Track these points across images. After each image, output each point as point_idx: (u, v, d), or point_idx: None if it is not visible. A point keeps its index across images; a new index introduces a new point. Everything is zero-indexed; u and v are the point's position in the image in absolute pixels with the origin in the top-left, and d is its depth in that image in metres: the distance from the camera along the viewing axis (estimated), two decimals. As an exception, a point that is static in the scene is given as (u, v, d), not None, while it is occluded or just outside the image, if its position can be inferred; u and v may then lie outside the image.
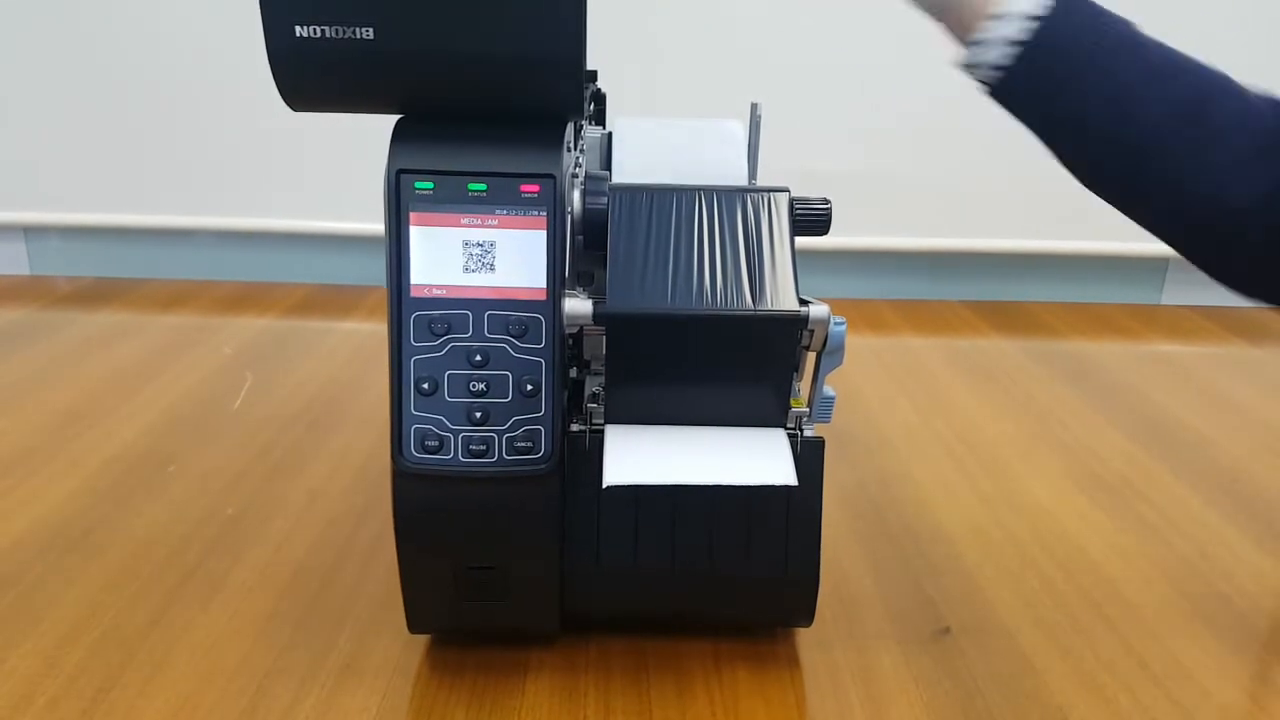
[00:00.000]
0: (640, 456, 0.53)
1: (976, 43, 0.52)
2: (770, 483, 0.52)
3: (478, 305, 0.51)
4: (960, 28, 0.53)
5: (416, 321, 0.51)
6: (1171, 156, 0.49)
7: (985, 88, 0.53)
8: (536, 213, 0.51)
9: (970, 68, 0.53)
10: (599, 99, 0.73)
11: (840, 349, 0.56)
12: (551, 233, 0.51)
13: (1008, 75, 0.51)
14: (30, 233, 1.39)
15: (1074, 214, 1.34)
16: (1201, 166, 0.48)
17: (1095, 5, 0.51)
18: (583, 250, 0.56)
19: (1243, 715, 0.56)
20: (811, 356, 0.56)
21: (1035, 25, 0.50)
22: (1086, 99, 0.50)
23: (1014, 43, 0.50)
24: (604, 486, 0.51)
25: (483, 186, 0.51)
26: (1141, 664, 0.60)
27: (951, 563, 0.71)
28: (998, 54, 0.51)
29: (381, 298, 1.29)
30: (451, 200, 0.51)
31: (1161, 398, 1.03)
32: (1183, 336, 1.27)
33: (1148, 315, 1.35)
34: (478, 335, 0.51)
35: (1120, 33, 0.51)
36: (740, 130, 0.65)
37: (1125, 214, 0.53)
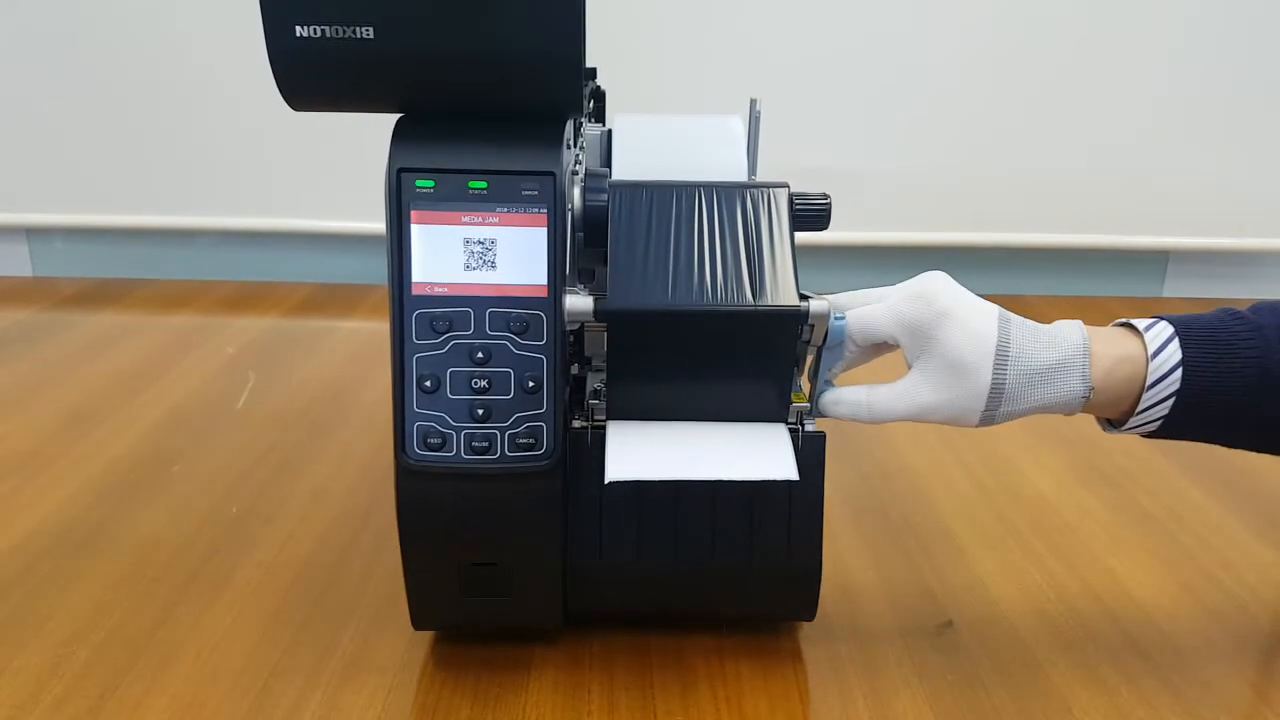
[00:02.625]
0: (642, 452, 0.54)
1: (1141, 412, 0.55)
2: (772, 478, 0.52)
3: (479, 303, 0.52)
4: (1112, 409, 0.56)
5: (418, 319, 0.51)
6: None
7: (1146, 434, 0.57)
8: (537, 210, 0.52)
9: (1131, 428, 0.56)
10: (598, 96, 0.73)
11: (841, 344, 0.56)
12: (552, 230, 0.52)
13: (1168, 420, 0.55)
14: (33, 234, 1.40)
15: (1074, 207, 1.34)
16: None
17: (1207, 324, 0.55)
18: (583, 247, 0.57)
19: (1246, 706, 0.57)
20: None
21: (1180, 374, 0.54)
22: (1245, 414, 0.55)
23: (1169, 396, 0.54)
24: (606, 483, 0.51)
25: (483, 184, 0.51)
26: (1144, 656, 0.60)
27: (954, 556, 0.71)
28: (1158, 411, 0.55)
29: (383, 296, 1.29)
30: (452, 198, 0.51)
31: None
32: (1184, 329, 1.27)
33: (1149, 308, 1.34)
34: (479, 332, 0.52)
35: (1245, 341, 0.55)
36: (740, 126, 0.65)
37: None
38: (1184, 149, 1.32)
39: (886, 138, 1.31)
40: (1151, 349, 0.54)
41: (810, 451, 0.56)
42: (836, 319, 0.54)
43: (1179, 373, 0.53)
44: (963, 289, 0.55)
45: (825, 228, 0.57)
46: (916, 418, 0.55)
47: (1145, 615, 0.65)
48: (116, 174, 1.34)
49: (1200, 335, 0.54)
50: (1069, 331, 0.54)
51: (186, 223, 1.36)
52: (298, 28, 0.47)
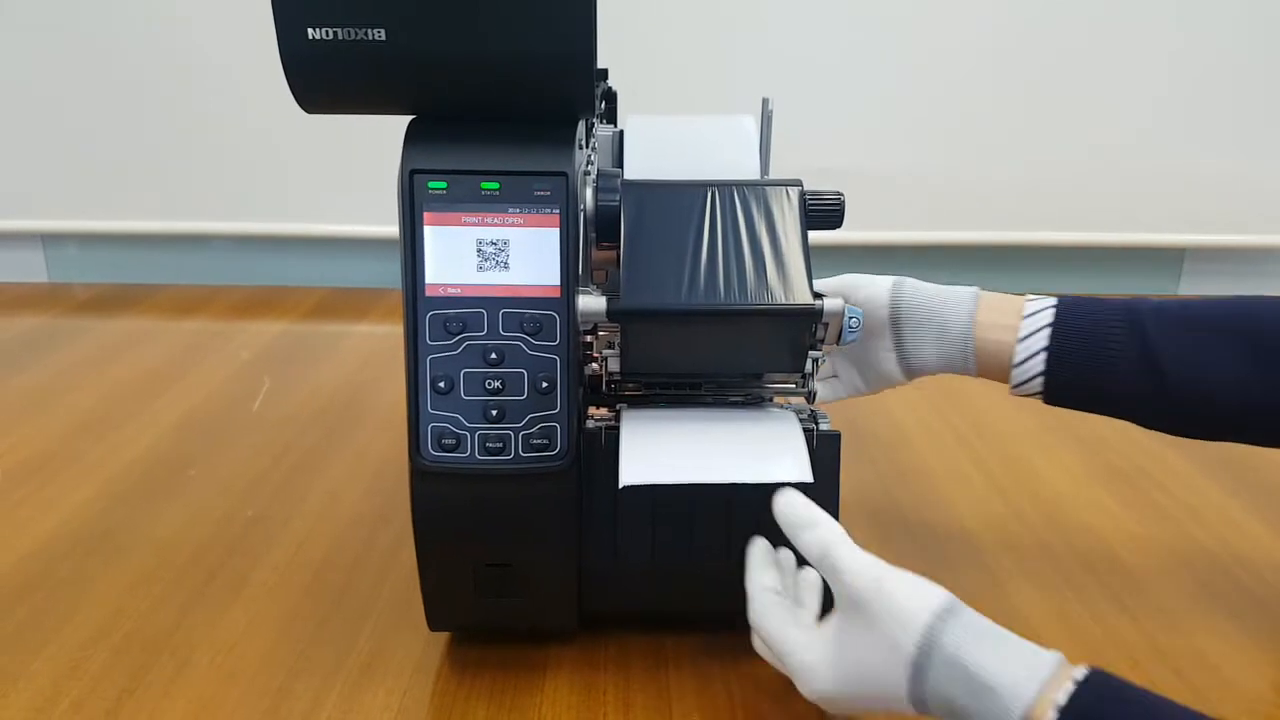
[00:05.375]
0: (656, 455, 0.53)
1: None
2: (786, 480, 0.52)
3: (492, 303, 0.52)
4: None
5: (432, 321, 0.51)
6: None
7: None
8: (549, 210, 0.52)
9: None
10: (610, 98, 0.73)
11: (855, 340, 0.56)
12: (564, 230, 0.52)
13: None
14: (48, 240, 1.41)
15: (1090, 205, 1.34)
16: None
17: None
18: (596, 247, 0.57)
19: (1266, 704, 0.56)
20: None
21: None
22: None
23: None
24: (620, 487, 0.51)
25: (495, 185, 0.51)
26: (1162, 655, 0.60)
27: (970, 556, 0.71)
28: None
29: (396, 300, 1.29)
30: (465, 199, 0.52)
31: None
32: (1200, 327, 1.26)
33: (1165, 306, 1.34)
34: (493, 333, 0.52)
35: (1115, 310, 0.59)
36: (751, 126, 0.65)
37: None
38: (1200, 145, 1.31)
39: (899, 137, 1.31)
40: None
41: (825, 452, 0.56)
42: (850, 331, 0.54)
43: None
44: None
45: (839, 226, 0.57)
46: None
47: (1164, 614, 0.64)
48: (131, 180, 1.34)
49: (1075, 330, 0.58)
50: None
51: (201, 228, 1.37)
52: (310, 30, 0.47)
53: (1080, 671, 0.43)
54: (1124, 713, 0.42)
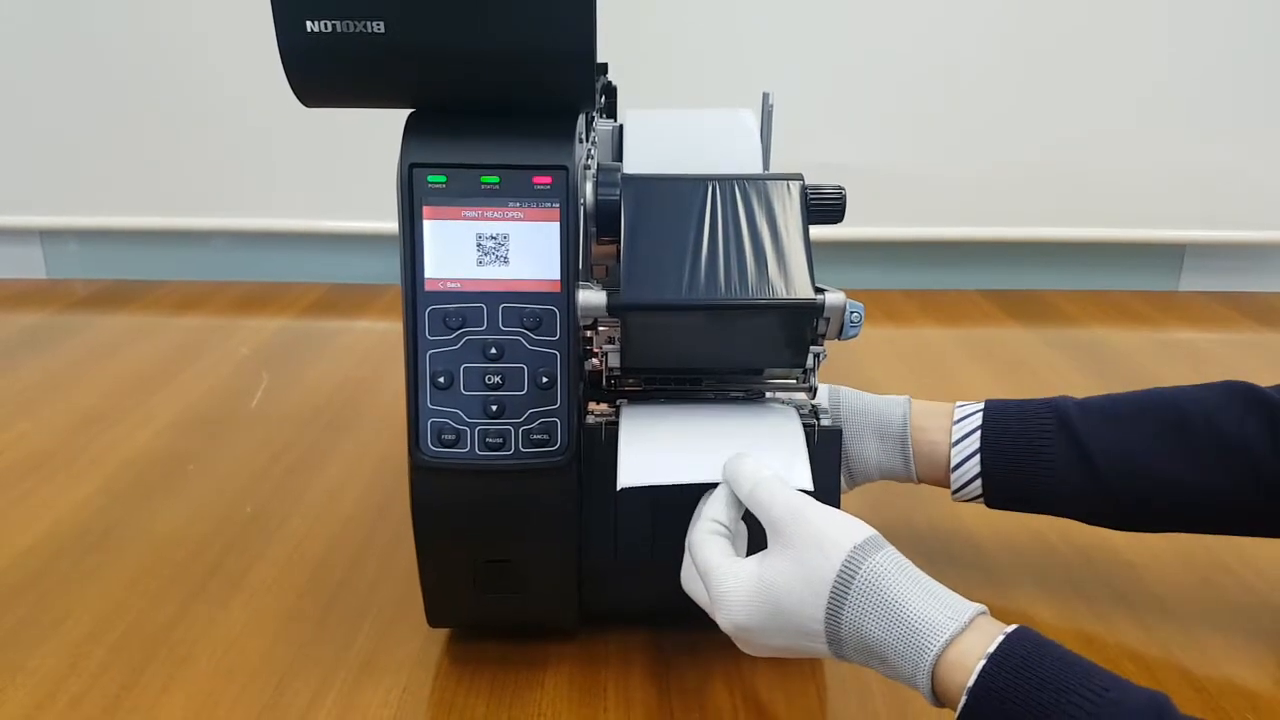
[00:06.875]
0: (654, 456, 0.53)
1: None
2: None
3: (492, 298, 0.51)
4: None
5: (431, 315, 0.51)
6: None
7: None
8: (549, 204, 0.51)
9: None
10: (610, 92, 0.73)
11: (856, 335, 0.56)
12: (564, 224, 0.51)
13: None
14: (47, 237, 1.40)
15: (1090, 202, 1.33)
16: None
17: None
18: (596, 241, 0.56)
19: (1269, 701, 0.56)
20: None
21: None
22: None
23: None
24: (618, 490, 0.51)
25: (495, 179, 0.51)
26: (1165, 651, 0.60)
27: (972, 553, 0.70)
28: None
29: (395, 296, 1.29)
30: (464, 193, 0.51)
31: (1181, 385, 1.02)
32: (1201, 323, 1.26)
33: (1165, 302, 1.34)
34: (492, 328, 0.51)
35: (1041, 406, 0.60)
36: (752, 120, 0.65)
37: None
38: (1200, 142, 1.31)
39: (899, 132, 1.31)
40: None
41: (826, 447, 0.56)
42: (852, 323, 0.54)
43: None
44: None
45: (840, 220, 0.57)
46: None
47: (1166, 610, 0.64)
48: (129, 177, 1.34)
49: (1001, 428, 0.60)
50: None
51: (199, 224, 1.36)
52: (309, 23, 0.47)
53: (1008, 627, 0.43)
54: (1048, 665, 0.42)
